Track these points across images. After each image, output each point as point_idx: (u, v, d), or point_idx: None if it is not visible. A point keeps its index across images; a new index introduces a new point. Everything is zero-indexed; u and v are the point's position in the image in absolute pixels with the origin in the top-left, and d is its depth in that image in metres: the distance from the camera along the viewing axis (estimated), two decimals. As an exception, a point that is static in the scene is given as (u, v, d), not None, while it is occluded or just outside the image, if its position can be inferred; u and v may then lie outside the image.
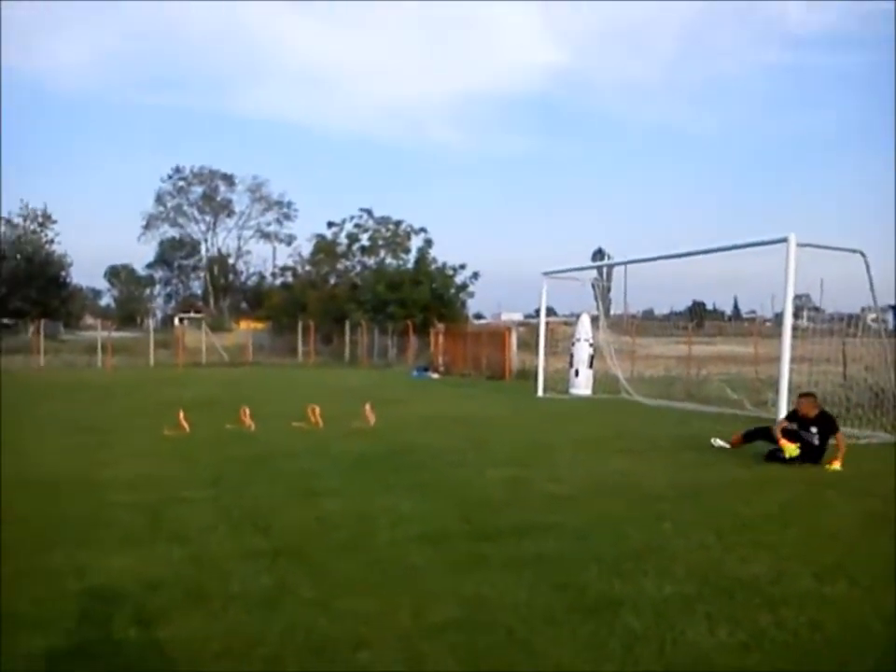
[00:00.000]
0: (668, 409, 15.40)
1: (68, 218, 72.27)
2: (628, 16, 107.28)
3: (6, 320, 44.04)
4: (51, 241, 57.77)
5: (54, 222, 59.49)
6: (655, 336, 28.28)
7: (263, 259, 71.88)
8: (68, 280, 53.39)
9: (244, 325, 55.71)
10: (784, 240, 11.61)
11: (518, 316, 43.05)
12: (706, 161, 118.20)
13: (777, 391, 11.54)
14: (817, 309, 18.60)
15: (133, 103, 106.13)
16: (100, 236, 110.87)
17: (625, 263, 20.97)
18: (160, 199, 69.65)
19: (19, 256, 50.28)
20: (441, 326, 33.08)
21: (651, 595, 4.31)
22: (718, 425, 12.37)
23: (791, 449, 8.66)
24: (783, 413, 10.35)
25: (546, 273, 19.41)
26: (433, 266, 42.27)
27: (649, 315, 41.62)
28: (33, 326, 37.05)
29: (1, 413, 12.84)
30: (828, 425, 8.96)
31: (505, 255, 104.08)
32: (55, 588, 4.37)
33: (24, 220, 59.39)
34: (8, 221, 58.74)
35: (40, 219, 59.57)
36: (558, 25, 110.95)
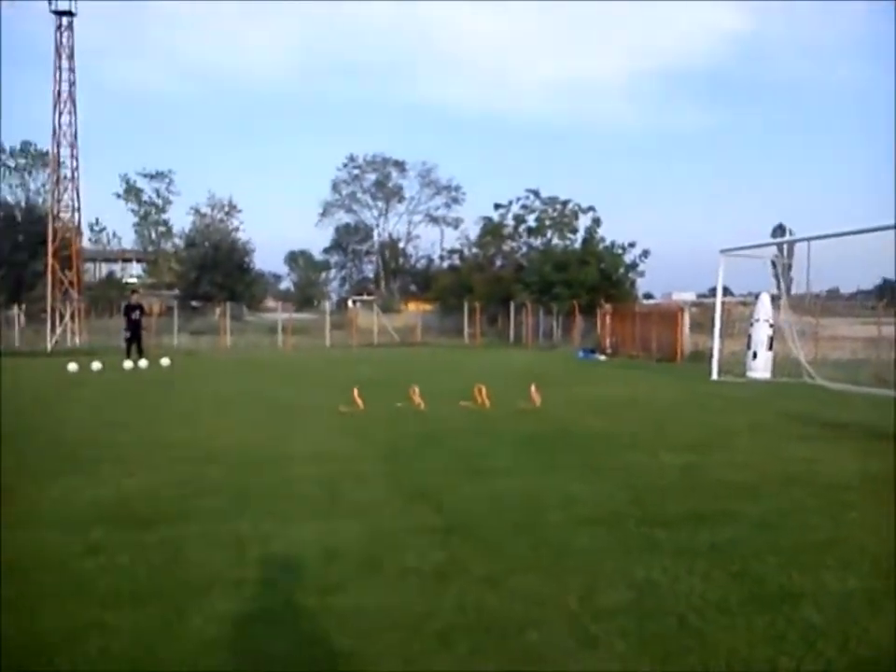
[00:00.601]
0: (856, 394, 14.39)
1: (252, 207, 76.73)
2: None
3: (195, 303, 47.34)
4: (236, 229, 61.53)
5: (239, 211, 63.35)
6: (841, 316, 26.61)
7: (431, 243, 73.32)
8: (251, 265, 56.61)
9: (412, 306, 57.15)
10: None
11: (690, 296, 41.44)
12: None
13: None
14: None
15: (310, 93, 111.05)
16: (280, 224, 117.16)
17: (808, 239, 19.74)
18: (335, 187, 72.30)
19: (207, 243, 53.76)
20: (608, 306, 32.49)
21: (834, 588, 4.05)
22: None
23: None
24: None
25: (724, 251, 18.59)
26: (601, 245, 41.55)
27: (833, 293, 39.09)
28: (219, 308, 39.62)
29: (194, 389, 13.86)
30: None
31: (677, 232, 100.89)
32: (242, 554, 4.64)
33: (212, 210, 63.56)
34: (197, 211, 63.06)
35: (226, 209, 63.56)
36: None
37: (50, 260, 33.63)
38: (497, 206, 49.01)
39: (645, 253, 41.17)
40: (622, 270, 40.64)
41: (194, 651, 3.33)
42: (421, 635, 3.49)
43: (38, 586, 4.08)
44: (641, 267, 41.44)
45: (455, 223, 68.54)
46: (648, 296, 47.43)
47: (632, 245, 41.11)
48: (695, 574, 4.26)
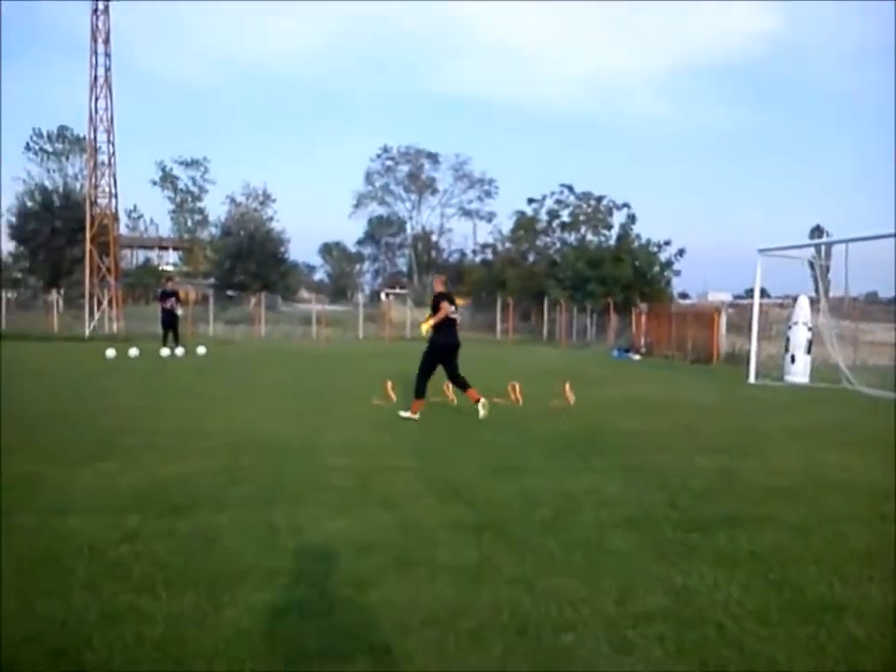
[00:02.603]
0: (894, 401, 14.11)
1: (286, 197, 77.23)
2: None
3: (230, 292, 47.70)
4: (271, 218, 61.79)
5: (273, 201, 63.64)
6: (879, 321, 26.10)
7: (464, 236, 73.23)
8: (286, 255, 56.79)
9: (445, 301, 56.97)
10: None
11: (727, 296, 41.08)
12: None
13: None
14: None
15: (343, 84, 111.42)
16: (314, 214, 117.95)
17: (847, 241, 19.34)
18: (369, 178, 72.43)
19: (242, 232, 54.05)
20: (643, 305, 32.23)
21: (877, 602, 3.94)
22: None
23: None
24: None
25: (762, 251, 18.32)
26: (636, 243, 41.18)
27: (872, 297, 38.49)
28: (254, 298, 39.85)
29: (225, 379, 13.94)
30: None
31: (714, 231, 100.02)
32: (275, 545, 4.65)
33: (247, 199, 63.93)
34: (232, 200, 63.44)
35: (261, 198, 63.89)
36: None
37: (88, 246, 34.01)
38: (530, 201, 48.76)
39: (680, 252, 40.75)
40: (656, 268, 40.23)
41: (227, 641, 3.33)
42: (455, 633, 3.46)
43: (73, 572, 4.10)
44: (676, 266, 41.03)
45: (489, 217, 68.44)
46: (683, 295, 47.07)
47: (667, 242, 40.71)
48: (734, 581, 4.19)
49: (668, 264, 40.77)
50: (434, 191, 72.92)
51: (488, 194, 71.60)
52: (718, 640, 3.48)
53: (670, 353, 26.94)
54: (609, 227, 45.70)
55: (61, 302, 36.90)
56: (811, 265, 21.31)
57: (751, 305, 19.40)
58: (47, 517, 5.10)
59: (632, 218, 43.50)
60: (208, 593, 3.85)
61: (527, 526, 5.16)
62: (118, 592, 3.84)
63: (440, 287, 10.65)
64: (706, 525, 5.26)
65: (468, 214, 72.45)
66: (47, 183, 55.83)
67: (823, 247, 26.40)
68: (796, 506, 5.91)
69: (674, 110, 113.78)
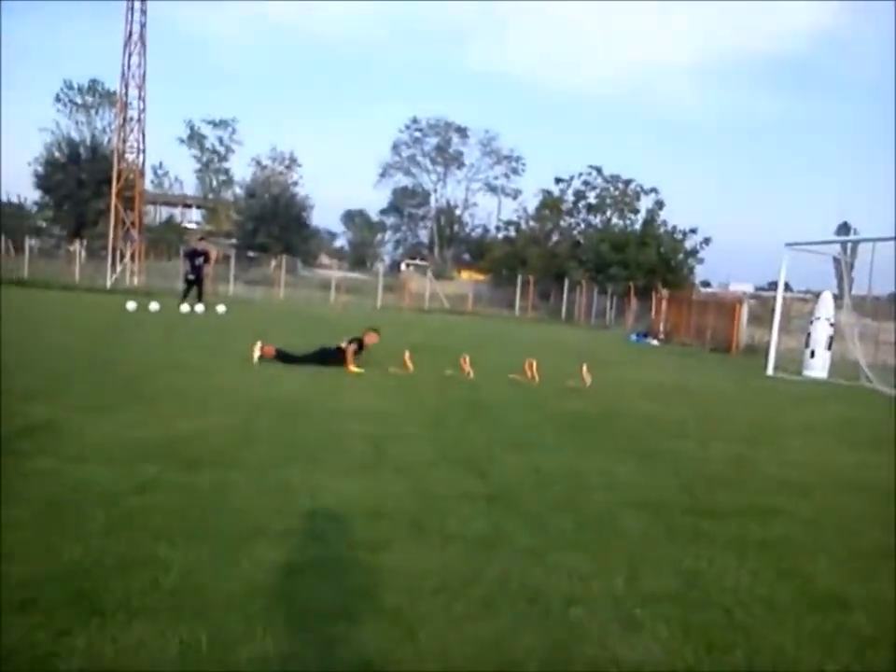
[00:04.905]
0: (914, 402, 14.00)
1: (312, 163, 77.31)
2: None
3: (251, 253, 47.89)
4: (296, 183, 61.85)
5: (299, 165, 63.73)
6: (898, 321, 25.87)
7: (488, 213, 73.19)
8: (309, 221, 56.85)
9: (465, 275, 57.19)
10: None
11: (748, 288, 40.75)
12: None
13: None
14: None
15: (377, 53, 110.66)
16: (339, 181, 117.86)
17: (874, 240, 19.15)
18: (396, 148, 72.41)
19: (266, 195, 54.12)
20: (665, 291, 32.05)
21: (887, 598, 3.92)
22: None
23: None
24: None
25: (789, 245, 18.18)
26: (662, 228, 40.90)
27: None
28: (275, 261, 40.00)
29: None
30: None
31: (740, 222, 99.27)
32: (290, 504, 4.69)
33: (273, 162, 63.97)
34: (258, 162, 63.56)
35: (287, 162, 63.96)
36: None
37: (114, 200, 34.11)
38: (557, 180, 48.54)
39: (706, 240, 40.55)
40: (681, 255, 39.99)
41: (242, 594, 3.37)
42: (464, 600, 3.49)
43: (92, 518, 4.16)
44: (701, 254, 40.79)
45: (514, 194, 68.35)
46: (705, 284, 46.74)
47: (693, 230, 40.50)
48: (744, 568, 4.19)
49: (693, 252, 40.55)
50: (461, 165, 72.81)
51: (515, 171, 71.44)
52: (725, 624, 3.49)
53: (689, 340, 26.84)
54: (636, 211, 45.47)
55: (83, 253, 37.16)
56: (836, 261, 21.13)
57: (773, 298, 19.31)
58: (65, 463, 5.17)
59: (659, 204, 43.26)
60: (224, 546, 3.89)
61: (539, 501, 5.18)
62: (135, 540, 3.89)
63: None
64: (717, 512, 5.26)
65: (493, 189, 72.37)
66: (74, 135, 55.99)
67: (850, 245, 26.15)
68: (809, 499, 5.89)
69: (707, 98, 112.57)
